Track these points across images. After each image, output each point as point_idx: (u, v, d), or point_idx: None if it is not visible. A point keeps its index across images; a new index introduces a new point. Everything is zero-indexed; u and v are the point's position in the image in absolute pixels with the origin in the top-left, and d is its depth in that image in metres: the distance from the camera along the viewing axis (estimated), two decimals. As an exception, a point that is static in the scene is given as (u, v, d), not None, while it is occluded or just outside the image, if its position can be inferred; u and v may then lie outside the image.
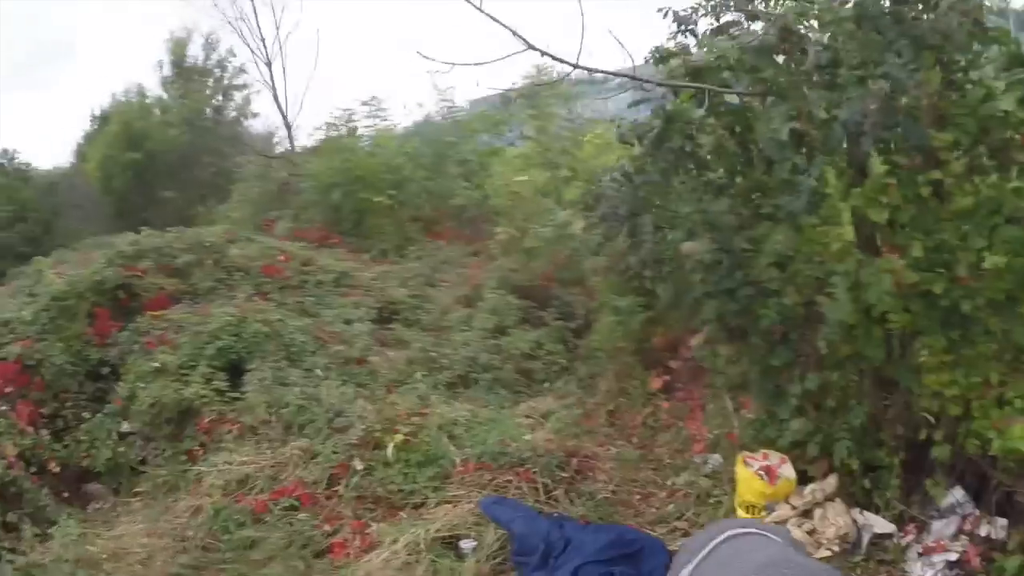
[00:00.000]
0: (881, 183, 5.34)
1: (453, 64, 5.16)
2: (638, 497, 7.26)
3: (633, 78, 5.59)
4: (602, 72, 5.31)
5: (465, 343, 9.91)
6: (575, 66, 5.19)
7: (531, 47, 5.05)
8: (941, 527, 5.62)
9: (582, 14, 5.02)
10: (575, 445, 7.66)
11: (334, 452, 7.32)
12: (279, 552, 6.53)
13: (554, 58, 5.16)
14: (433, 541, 6.33)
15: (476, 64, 5.17)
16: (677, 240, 6.37)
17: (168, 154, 25.04)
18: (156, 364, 8.78)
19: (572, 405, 8.91)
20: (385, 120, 16.64)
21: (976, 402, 5.40)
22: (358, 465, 7.15)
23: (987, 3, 5.15)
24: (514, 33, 5.03)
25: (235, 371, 8.89)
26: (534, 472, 7.00)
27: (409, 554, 6.23)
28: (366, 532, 6.62)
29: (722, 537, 3.51)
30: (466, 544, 6.38)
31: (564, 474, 7.13)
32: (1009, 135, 5.29)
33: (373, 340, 10.06)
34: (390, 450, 7.23)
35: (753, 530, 3.59)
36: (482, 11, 4.95)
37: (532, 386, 9.69)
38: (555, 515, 6.67)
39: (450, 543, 6.43)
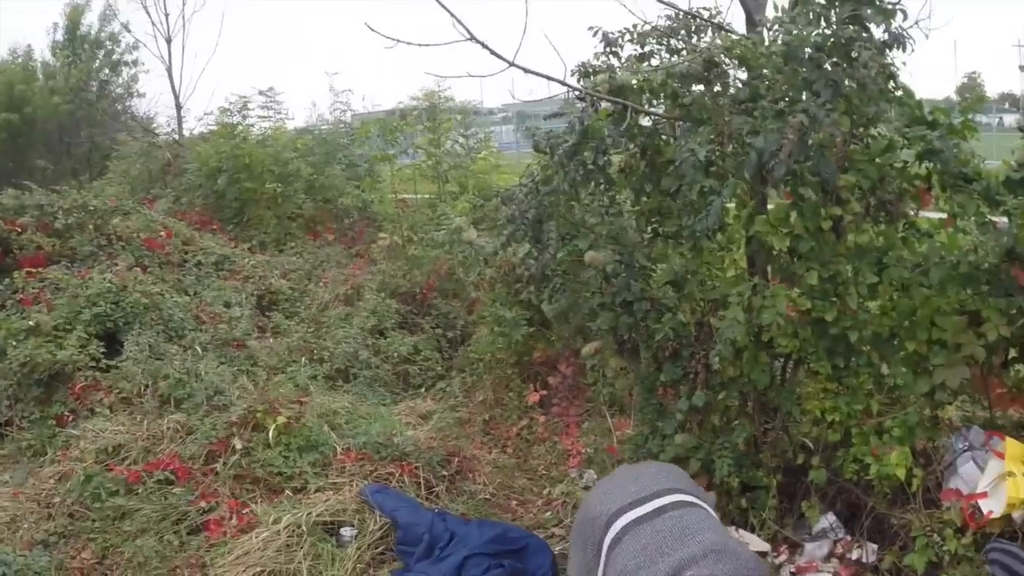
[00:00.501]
0: (785, 213, 5.58)
1: (397, 40, 5.24)
2: (516, 502, 7.40)
3: (563, 83, 5.73)
4: (535, 73, 5.42)
5: (345, 338, 9.89)
6: (511, 63, 5.31)
7: (472, 37, 5.16)
8: (813, 549, 5.86)
9: (526, 14, 5.15)
10: (456, 445, 7.75)
11: (212, 429, 7.22)
12: (152, 525, 6.45)
13: (492, 52, 5.27)
14: (314, 525, 6.34)
15: (420, 45, 5.26)
16: (578, 251, 6.51)
17: (48, 122, 24.37)
18: (30, 323, 8.54)
19: (452, 408, 9.01)
20: (279, 113, 16.51)
21: (856, 429, 5.68)
22: (237, 444, 7.08)
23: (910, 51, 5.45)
24: (455, 19, 5.14)
25: (110, 340, 8.73)
26: (416, 467, 7.08)
27: (289, 536, 6.22)
28: (244, 512, 6.57)
29: (669, 500, 3.76)
30: (347, 531, 6.41)
31: (445, 472, 7.23)
32: (904, 186, 5.63)
33: (252, 326, 9.98)
34: (271, 432, 7.18)
35: (695, 500, 3.83)
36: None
37: (409, 389, 9.73)
38: (437, 509, 6.75)
39: (330, 529, 6.45)
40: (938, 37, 5.75)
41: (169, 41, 20.97)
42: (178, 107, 20.63)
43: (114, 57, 27.07)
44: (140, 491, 6.71)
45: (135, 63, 26.71)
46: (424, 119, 14.77)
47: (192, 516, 6.59)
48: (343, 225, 14.82)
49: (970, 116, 5.56)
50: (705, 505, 4.06)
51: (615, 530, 3.85)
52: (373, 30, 5.29)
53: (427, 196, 14.12)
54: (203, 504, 6.66)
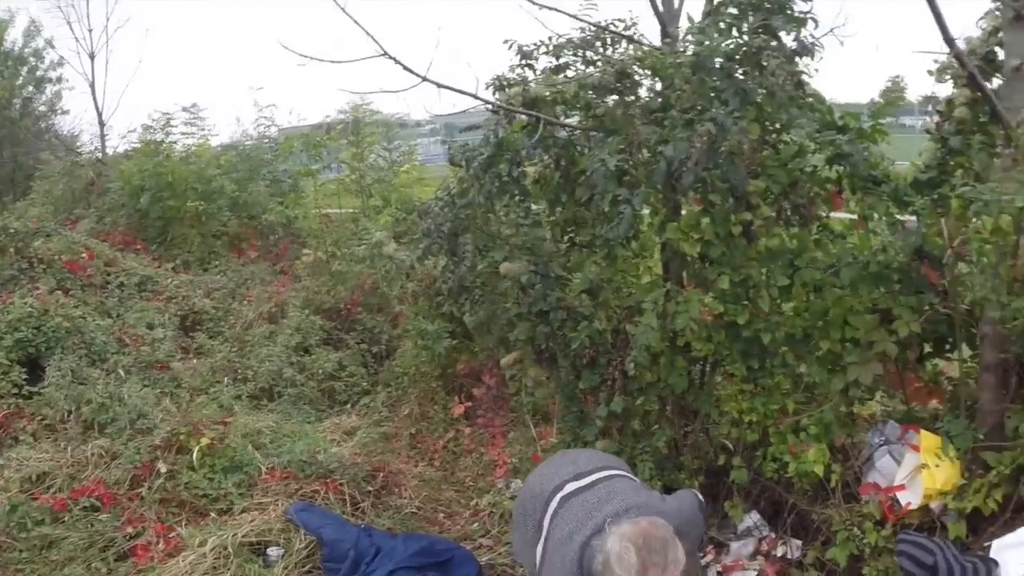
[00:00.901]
0: (695, 219, 5.67)
1: (310, 58, 5.27)
2: (443, 515, 7.44)
3: (477, 97, 5.78)
4: (447, 87, 5.46)
5: (269, 357, 9.83)
6: (423, 78, 5.35)
7: (386, 54, 5.20)
8: (739, 547, 5.99)
9: (438, 30, 5.20)
10: (381, 460, 7.75)
11: (136, 453, 7.14)
12: (79, 553, 6.36)
13: (405, 68, 5.32)
14: (240, 546, 6.33)
15: (334, 62, 5.29)
16: (494, 262, 6.57)
17: (-34, 143, 23.94)
18: (-52, 352, 8.39)
19: (377, 423, 8.98)
20: (202, 130, 16.36)
21: (773, 428, 5.80)
22: (162, 468, 7.02)
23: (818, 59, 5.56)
24: (370, 36, 5.17)
25: (33, 365, 8.62)
26: (341, 483, 7.08)
27: (216, 558, 6.19)
28: (170, 536, 6.52)
29: (601, 475, 4.21)
30: (273, 551, 6.41)
31: (371, 487, 7.24)
32: (815, 191, 5.74)
33: (176, 347, 9.89)
34: (195, 454, 7.14)
35: (626, 474, 4.42)
36: (346, 12, 5.07)
37: (335, 406, 9.69)
38: (363, 525, 6.75)
39: (257, 550, 6.43)
40: (860, 41, 5.85)
41: (92, 57, 20.59)
42: (101, 124, 20.25)
43: (38, 74, 26.61)
44: (66, 519, 6.61)
45: (59, 80, 26.25)
46: (348, 133, 14.70)
47: (119, 542, 6.51)
48: (268, 242, 14.75)
49: (880, 120, 5.66)
50: (635, 478, 4.46)
51: (553, 504, 4.16)
52: (287, 48, 5.32)
53: (351, 210, 14.06)
54: (130, 530, 6.59)
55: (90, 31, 20.23)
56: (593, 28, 6.39)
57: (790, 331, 5.70)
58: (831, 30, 5.62)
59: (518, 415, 8.55)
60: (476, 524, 7.21)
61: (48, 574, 6.25)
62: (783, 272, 5.61)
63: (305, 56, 5.33)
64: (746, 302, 5.73)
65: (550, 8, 6.33)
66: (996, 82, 5.49)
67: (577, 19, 6.33)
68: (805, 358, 5.81)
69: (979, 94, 5.45)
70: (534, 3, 6.32)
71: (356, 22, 5.18)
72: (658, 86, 5.95)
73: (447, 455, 8.58)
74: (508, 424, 8.65)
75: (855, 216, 5.84)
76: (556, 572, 3.91)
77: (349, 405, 9.69)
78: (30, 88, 25.95)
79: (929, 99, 6.27)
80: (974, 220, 4.84)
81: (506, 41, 6.31)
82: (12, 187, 21.46)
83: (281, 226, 14.91)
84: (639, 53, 5.98)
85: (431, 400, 9.38)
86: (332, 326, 10.98)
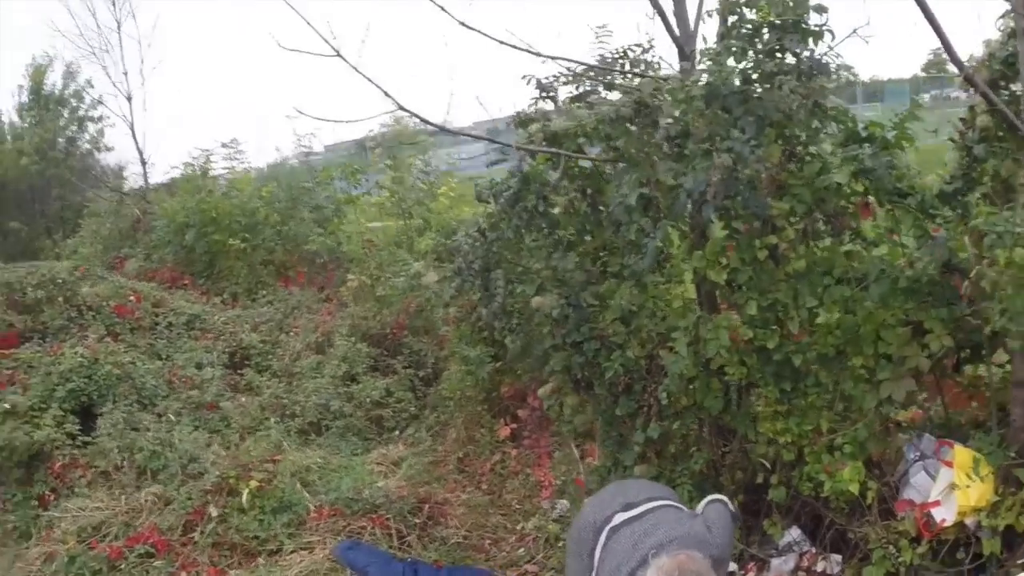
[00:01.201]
0: (721, 246, 5.69)
1: (325, 120, 5.35)
2: (489, 541, 7.49)
3: (493, 141, 5.83)
4: (466, 135, 5.53)
5: (316, 390, 9.94)
6: (441, 129, 5.43)
7: (401, 107, 5.29)
8: (780, 564, 6.00)
9: (451, 77, 5.27)
10: (427, 491, 7.83)
11: (188, 498, 7.31)
12: (137, 603, 6.51)
13: (423, 120, 5.40)
14: (289, 590, 6.42)
15: (347, 122, 5.37)
16: (527, 295, 6.62)
17: (19, 183, 24.36)
18: (6, 405, 8.58)
19: (423, 452, 9.06)
20: (242, 163, 16.58)
21: (808, 448, 5.79)
22: (213, 511, 7.16)
23: (833, 76, 5.51)
24: (385, 93, 5.25)
25: (86, 414, 8.80)
26: (387, 518, 7.19)
27: (266, 605, 6.31)
28: (222, 581, 6.66)
29: (650, 506, 4.37)
30: (325, 593, 6.50)
31: (417, 520, 7.32)
32: (842, 204, 5.72)
33: (225, 385, 10.05)
34: (245, 496, 7.26)
35: (674, 504, 4.55)
36: (357, 70, 5.15)
37: (383, 434, 9.79)
38: (409, 559, 6.81)
39: (306, 591, 6.53)
40: (901, 16, 5.76)
41: (130, 99, 20.85)
42: (143, 162, 20.50)
43: (79, 113, 27.01)
44: (123, 567, 6.78)
45: (100, 119, 26.66)
46: (385, 157, 14.82)
47: (175, 589, 6.65)
48: (314, 269, 14.86)
49: (906, 126, 5.59)
50: (683, 507, 4.60)
51: (603, 537, 4.32)
52: (300, 112, 5.40)
53: (392, 226, 14.12)
54: (184, 575, 6.73)
55: (125, 74, 20.40)
56: (611, 55, 6.42)
57: (822, 350, 5.68)
58: (854, 31, 5.56)
59: (563, 436, 8.57)
60: (522, 550, 7.27)
61: (107, 624, 6.37)
62: (812, 293, 5.60)
63: (319, 118, 5.40)
64: (775, 326, 5.73)
65: (565, 60, 6.34)
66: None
67: (578, 62, 6.35)
68: (838, 376, 5.78)
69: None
70: (548, 57, 6.33)
71: (370, 79, 5.25)
72: (676, 113, 5.96)
73: (494, 478, 8.65)
74: (554, 444, 8.68)
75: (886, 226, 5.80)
76: None
77: (397, 432, 9.79)
78: (73, 128, 26.38)
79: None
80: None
81: (524, 76, 6.35)
82: (62, 225, 21.86)
83: (327, 252, 15.00)
84: (657, 83, 6.00)
85: (477, 423, 9.43)
86: (379, 352, 11.05)
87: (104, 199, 18.32)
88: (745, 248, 5.64)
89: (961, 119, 5.94)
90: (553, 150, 5.91)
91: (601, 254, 6.80)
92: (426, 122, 5.44)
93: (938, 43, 5.14)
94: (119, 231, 16.55)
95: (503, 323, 7.10)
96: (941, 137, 6.04)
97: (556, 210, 6.44)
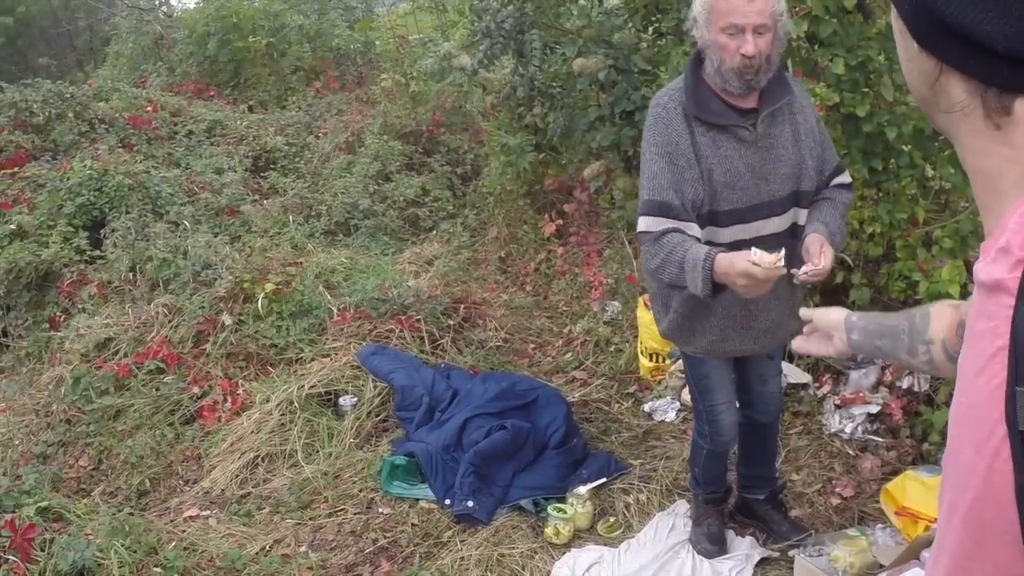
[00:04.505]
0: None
1: None
2: (533, 346, 6.90)
3: None
4: None
5: (345, 189, 9.36)
6: None
7: None
8: (859, 378, 5.26)
9: None
10: (463, 290, 7.24)
11: (200, 307, 6.75)
12: (145, 420, 6.07)
13: None
14: (308, 398, 5.88)
15: None
16: (568, 57, 5.85)
17: (43, 18, 23.67)
18: (12, 226, 8.09)
19: (460, 249, 8.51)
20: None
21: (900, 241, 4.94)
22: (227, 320, 6.60)
23: None
24: None
25: (97, 228, 8.28)
26: (418, 320, 6.54)
27: (282, 414, 5.77)
28: (237, 393, 6.15)
29: None
30: (346, 401, 5.95)
31: (451, 321, 6.71)
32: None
33: (247, 189, 9.44)
34: (260, 301, 6.69)
35: None
36: None
37: (419, 234, 9.24)
38: (441, 365, 6.23)
39: (328, 400, 6.00)
40: None
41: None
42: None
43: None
44: (131, 385, 6.32)
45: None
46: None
47: (185, 404, 6.21)
48: (346, 73, 14.15)
49: None
50: None
51: None
52: None
53: (430, 31, 13.36)
54: (196, 390, 6.27)
55: None
56: None
57: (918, 124, 4.74)
58: None
59: (614, 231, 7.82)
60: (569, 354, 6.64)
61: (115, 445, 5.94)
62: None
63: None
64: (865, 90, 4.80)
65: None
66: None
67: None
68: (935, 157, 4.91)
69: None
70: None
71: None
72: None
73: (539, 278, 8.04)
74: (603, 241, 7.94)
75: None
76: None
77: (433, 232, 9.22)
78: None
79: None
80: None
81: None
82: (92, 55, 21.20)
83: (359, 54, 14.32)
84: None
85: (520, 220, 8.73)
86: (413, 150, 10.42)
87: (125, 18, 17.54)
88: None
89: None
90: None
91: (653, 16, 5.96)
92: None
93: None
94: (141, 49, 15.81)
95: (542, 107, 6.34)
96: None
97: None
